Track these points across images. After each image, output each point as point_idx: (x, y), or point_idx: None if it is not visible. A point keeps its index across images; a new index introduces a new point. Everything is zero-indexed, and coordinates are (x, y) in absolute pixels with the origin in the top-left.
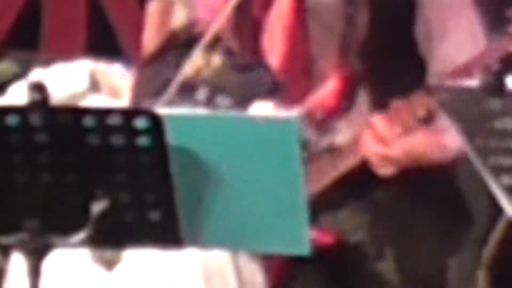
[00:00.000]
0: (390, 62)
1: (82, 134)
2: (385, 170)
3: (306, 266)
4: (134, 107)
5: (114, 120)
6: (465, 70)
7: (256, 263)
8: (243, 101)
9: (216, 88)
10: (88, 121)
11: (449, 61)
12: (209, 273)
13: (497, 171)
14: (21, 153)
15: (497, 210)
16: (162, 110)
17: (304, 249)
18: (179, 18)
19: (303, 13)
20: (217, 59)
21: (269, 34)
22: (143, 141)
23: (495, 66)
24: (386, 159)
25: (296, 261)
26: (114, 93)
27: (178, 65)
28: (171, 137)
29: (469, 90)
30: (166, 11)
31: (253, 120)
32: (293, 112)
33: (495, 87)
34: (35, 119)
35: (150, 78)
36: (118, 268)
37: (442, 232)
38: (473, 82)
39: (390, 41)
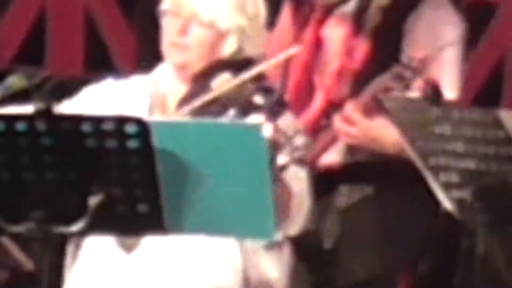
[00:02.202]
0: None
1: (81, 138)
2: (349, 141)
3: None
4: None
5: (108, 126)
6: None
7: (275, 260)
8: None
9: (244, 108)
10: (86, 127)
11: None
12: (220, 264)
13: (436, 170)
14: (28, 154)
15: (436, 203)
16: (148, 117)
17: (270, 237)
18: (230, 48)
19: (319, 39)
20: (248, 84)
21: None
22: (133, 144)
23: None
24: (348, 135)
25: None
26: (164, 108)
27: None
28: (157, 141)
29: (412, 100)
30: (218, 40)
31: (226, 126)
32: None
33: (435, 98)
34: (41, 125)
35: (193, 94)
36: (136, 252)
37: (403, 238)
38: (415, 93)
39: (380, 69)
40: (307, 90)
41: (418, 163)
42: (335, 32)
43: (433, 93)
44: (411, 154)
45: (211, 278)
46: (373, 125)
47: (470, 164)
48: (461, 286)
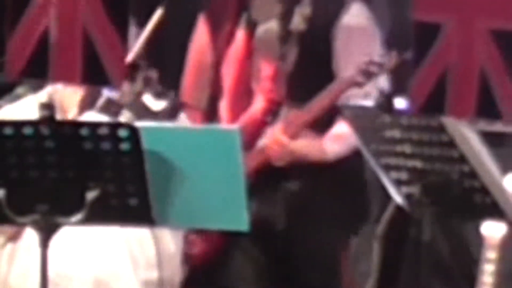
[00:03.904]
0: (308, 88)
1: (80, 141)
2: (278, 163)
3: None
4: (118, 121)
5: (103, 131)
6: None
7: (173, 236)
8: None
9: (134, 112)
10: (84, 131)
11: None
12: (131, 242)
13: (387, 169)
14: (34, 155)
15: (388, 197)
16: (138, 123)
17: (244, 227)
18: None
19: (250, 50)
20: (138, 86)
21: (227, 64)
22: (125, 146)
23: (386, 89)
24: (277, 157)
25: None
26: (63, 109)
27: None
28: (146, 143)
29: (367, 108)
30: None
31: (206, 130)
32: (235, 125)
33: (386, 106)
34: (45, 130)
35: (89, 96)
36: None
37: (343, 217)
38: (369, 102)
39: (311, 73)
40: (244, 95)
41: (372, 162)
42: (265, 43)
43: (385, 102)
44: (366, 155)
45: (126, 248)
46: (298, 146)
47: (417, 164)
48: (409, 270)
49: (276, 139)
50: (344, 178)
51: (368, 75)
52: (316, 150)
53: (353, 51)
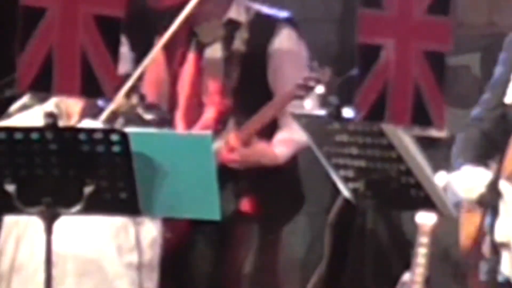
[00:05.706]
0: (251, 100)
1: (78, 144)
2: (232, 166)
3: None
4: (111, 127)
5: (98, 135)
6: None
7: (154, 222)
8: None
9: (128, 120)
10: (82, 136)
11: None
12: (117, 229)
13: (337, 167)
14: (40, 156)
15: (337, 191)
16: (127, 129)
17: (216, 216)
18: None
19: (200, 69)
20: (134, 99)
21: (181, 81)
22: (116, 148)
23: (335, 101)
24: (232, 161)
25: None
26: (69, 116)
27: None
28: (134, 146)
29: (319, 116)
30: None
31: (184, 135)
32: (207, 131)
33: (336, 115)
34: (49, 135)
35: (91, 107)
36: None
37: (283, 207)
38: (322, 112)
39: (252, 87)
40: (196, 107)
41: (324, 162)
42: (212, 62)
43: (335, 112)
44: (319, 156)
45: (111, 233)
46: (250, 152)
47: (362, 163)
48: (355, 253)
49: (229, 146)
50: (284, 176)
51: (307, 88)
52: (268, 155)
53: (285, 71)
